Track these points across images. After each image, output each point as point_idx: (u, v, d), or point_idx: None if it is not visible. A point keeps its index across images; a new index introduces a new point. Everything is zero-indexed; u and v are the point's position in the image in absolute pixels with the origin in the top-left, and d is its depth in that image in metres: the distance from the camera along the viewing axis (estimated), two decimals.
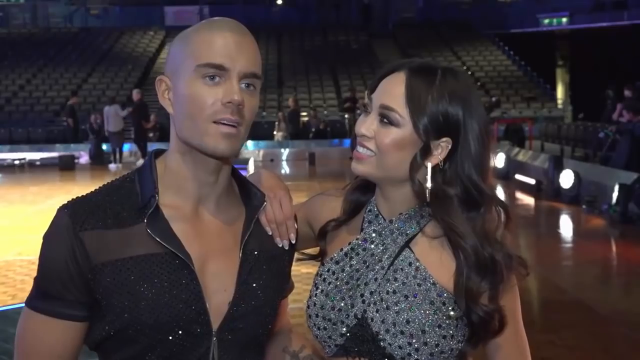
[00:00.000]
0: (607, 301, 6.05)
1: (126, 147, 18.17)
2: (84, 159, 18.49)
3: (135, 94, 17.41)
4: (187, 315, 1.22)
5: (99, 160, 17.95)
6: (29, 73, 25.35)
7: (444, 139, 1.32)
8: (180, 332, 1.22)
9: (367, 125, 1.34)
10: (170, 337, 1.22)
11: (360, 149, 1.35)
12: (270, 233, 1.38)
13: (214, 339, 1.25)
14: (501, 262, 1.31)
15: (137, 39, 28.88)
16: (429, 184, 1.32)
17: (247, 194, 1.37)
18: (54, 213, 1.27)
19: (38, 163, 18.09)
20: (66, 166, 17.05)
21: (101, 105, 20.53)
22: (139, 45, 28.38)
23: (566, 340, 4.88)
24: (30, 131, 20.92)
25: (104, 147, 18.30)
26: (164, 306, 1.21)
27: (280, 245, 1.38)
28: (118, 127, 17.47)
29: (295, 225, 1.40)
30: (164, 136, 19.13)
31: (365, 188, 1.46)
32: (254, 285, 1.30)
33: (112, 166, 17.10)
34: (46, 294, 1.24)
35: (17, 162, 18.09)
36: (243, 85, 1.24)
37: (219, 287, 1.27)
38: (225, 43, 1.22)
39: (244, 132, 1.25)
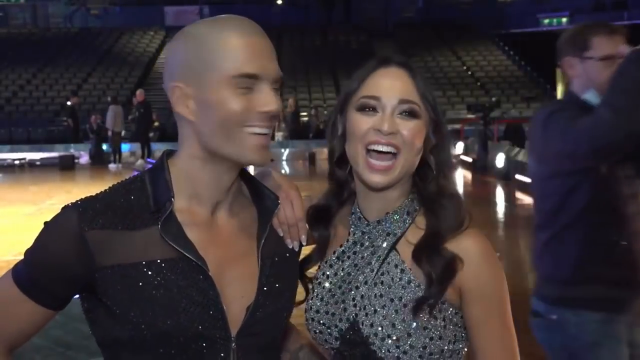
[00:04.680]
0: None
1: (126, 147, 18.17)
2: (84, 159, 18.49)
3: (140, 94, 17.35)
4: (205, 320, 1.20)
5: (99, 160, 17.96)
6: (29, 73, 25.35)
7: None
8: (198, 337, 1.20)
9: (389, 123, 1.33)
10: (189, 343, 1.20)
11: (376, 161, 1.33)
12: (281, 234, 1.36)
13: (233, 344, 1.23)
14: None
15: (137, 39, 28.88)
16: (433, 166, 1.39)
17: (259, 195, 1.34)
18: (54, 213, 1.24)
19: (38, 163, 18.10)
20: (66, 166, 17.06)
21: (101, 105, 20.54)
22: (139, 45, 28.38)
23: None
24: (30, 131, 20.93)
25: (104, 147, 18.30)
26: (181, 312, 1.18)
27: (291, 247, 1.36)
28: (121, 127, 17.50)
29: (306, 225, 1.39)
30: (164, 136, 19.14)
31: (326, 220, 1.45)
32: (273, 289, 1.28)
33: (112, 166, 17.10)
34: (33, 278, 1.22)
35: (17, 162, 18.11)
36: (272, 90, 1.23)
37: (237, 293, 1.24)
38: (252, 49, 1.20)
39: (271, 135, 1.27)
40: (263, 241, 1.29)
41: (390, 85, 1.35)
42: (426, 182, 1.38)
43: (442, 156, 1.39)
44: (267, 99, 1.20)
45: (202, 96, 1.20)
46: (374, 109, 1.35)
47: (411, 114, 1.34)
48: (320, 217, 1.45)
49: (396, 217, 1.37)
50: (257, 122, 1.20)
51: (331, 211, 1.46)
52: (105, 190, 1.27)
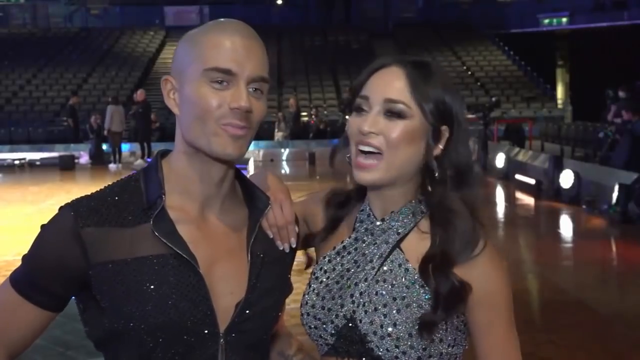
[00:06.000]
0: (607, 301, 6.05)
1: (126, 147, 18.17)
2: (84, 159, 18.48)
3: (140, 94, 17.35)
4: (195, 317, 1.22)
5: (99, 160, 17.94)
6: (29, 73, 25.36)
7: (443, 127, 1.34)
8: (187, 333, 1.22)
9: (370, 122, 1.32)
10: (178, 338, 1.22)
11: (362, 159, 1.33)
12: (271, 236, 1.37)
13: (222, 340, 1.25)
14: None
15: (137, 39, 28.88)
16: (436, 174, 1.33)
17: (251, 196, 1.37)
18: (54, 213, 1.26)
19: (38, 163, 18.09)
20: (66, 166, 17.05)
21: (101, 105, 20.52)
22: (139, 45, 28.38)
23: (566, 340, 4.88)
24: (30, 131, 20.93)
25: (104, 147, 18.29)
26: (171, 308, 1.21)
27: (281, 249, 1.38)
28: (121, 127, 17.49)
29: (297, 228, 1.39)
30: (164, 136, 19.14)
31: (342, 203, 1.46)
32: (262, 287, 1.30)
33: (112, 166, 17.09)
34: (32, 280, 1.25)
35: (17, 162, 18.09)
36: (251, 90, 1.24)
37: (226, 290, 1.27)
38: (233, 47, 1.22)
39: (250, 135, 1.26)
40: (252, 240, 1.31)
41: (379, 85, 1.34)
42: (431, 189, 1.34)
43: (447, 165, 1.34)
44: (237, 95, 1.22)
45: (183, 88, 1.25)
46: (363, 109, 1.35)
47: (397, 114, 1.31)
48: (337, 200, 1.46)
49: (401, 216, 1.36)
50: (230, 119, 1.22)
51: (350, 200, 1.46)
52: (101, 189, 1.30)
